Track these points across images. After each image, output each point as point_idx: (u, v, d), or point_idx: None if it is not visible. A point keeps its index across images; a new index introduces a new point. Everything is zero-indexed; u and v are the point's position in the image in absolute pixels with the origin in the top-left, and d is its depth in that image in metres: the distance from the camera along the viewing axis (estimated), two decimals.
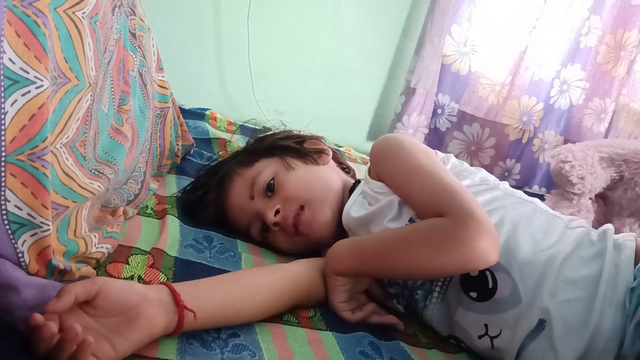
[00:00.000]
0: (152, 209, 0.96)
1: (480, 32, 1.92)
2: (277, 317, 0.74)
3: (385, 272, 0.82)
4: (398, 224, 0.83)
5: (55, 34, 0.58)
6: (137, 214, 0.92)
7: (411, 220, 0.82)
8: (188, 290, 0.63)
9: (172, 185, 1.11)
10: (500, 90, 1.97)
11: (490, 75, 1.97)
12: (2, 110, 0.51)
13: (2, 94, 0.51)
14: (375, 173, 0.91)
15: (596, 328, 0.71)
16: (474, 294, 0.78)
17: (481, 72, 1.97)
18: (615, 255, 0.77)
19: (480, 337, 0.77)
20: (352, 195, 0.94)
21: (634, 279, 0.73)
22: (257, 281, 0.73)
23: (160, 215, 0.94)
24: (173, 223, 0.91)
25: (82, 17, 0.62)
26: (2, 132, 0.51)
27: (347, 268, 0.80)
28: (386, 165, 0.89)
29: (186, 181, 1.11)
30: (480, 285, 0.77)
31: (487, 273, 0.77)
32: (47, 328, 0.48)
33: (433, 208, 0.78)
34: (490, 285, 0.77)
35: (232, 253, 0.89)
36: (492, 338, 0.77)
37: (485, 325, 0.77)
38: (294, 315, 0.76)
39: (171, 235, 0.86)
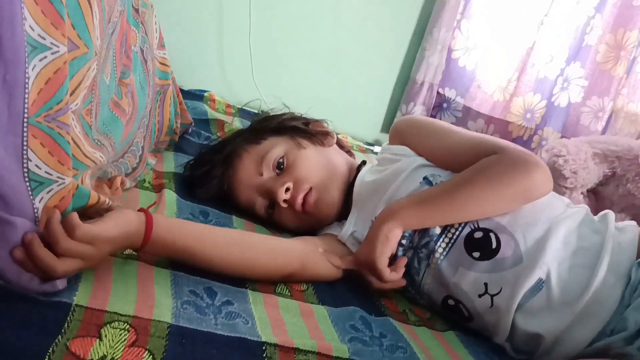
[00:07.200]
0: (149, 182, 0.97)
1: (489, 26, 1.90)
2: (271, 289, 0.75)
3: (451, 211, 0.82)
4: (414, 182, 0.87)
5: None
6: (135, 186, 0.93)
7: (425, 179, 0.86)
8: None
9: (170, 162, 1.12)
10: (507, 87, 1.97)
11: (498, 71, 1.96)
12: (27, 75, 0.53)
13: (26, 60, 0.53)
14: (399, 142, 0.97)
15: (596, 292, 0.74)
16: (476, 254, 0.80)
17: (488, 68, 1.95)
18: (617, 234, 0.81)
19: (480, 296, 0.80)
20: (365, 167, 1.00)
21: None
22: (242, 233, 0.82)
23: (158, 189, 0.95)
24: (170, 196, 0.92)
25: None
26: (26, 96, 0.53)
27: (413, 215, 0.82)
28: (418, 130, 0.96)
29: (184, 158, 1.12)
30: (483, 246, 0.80)
31: (492, 234, 0.80)
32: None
33: (481, 152, 0.83)
34: (494, 246, 0.80)
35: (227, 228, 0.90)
36: (492, 296, 0.79)
37: (485, 285, 0.79)
38: (287, 287, 0.77)
39: (168, 207, 0.87)
